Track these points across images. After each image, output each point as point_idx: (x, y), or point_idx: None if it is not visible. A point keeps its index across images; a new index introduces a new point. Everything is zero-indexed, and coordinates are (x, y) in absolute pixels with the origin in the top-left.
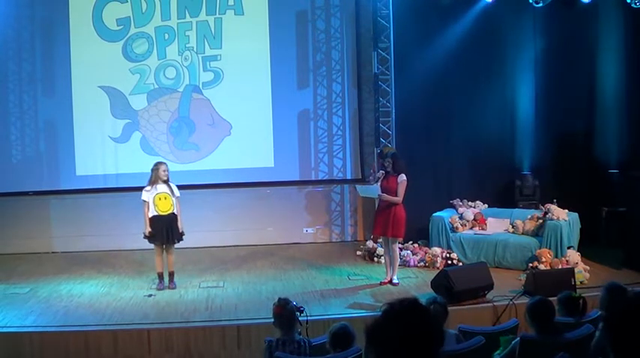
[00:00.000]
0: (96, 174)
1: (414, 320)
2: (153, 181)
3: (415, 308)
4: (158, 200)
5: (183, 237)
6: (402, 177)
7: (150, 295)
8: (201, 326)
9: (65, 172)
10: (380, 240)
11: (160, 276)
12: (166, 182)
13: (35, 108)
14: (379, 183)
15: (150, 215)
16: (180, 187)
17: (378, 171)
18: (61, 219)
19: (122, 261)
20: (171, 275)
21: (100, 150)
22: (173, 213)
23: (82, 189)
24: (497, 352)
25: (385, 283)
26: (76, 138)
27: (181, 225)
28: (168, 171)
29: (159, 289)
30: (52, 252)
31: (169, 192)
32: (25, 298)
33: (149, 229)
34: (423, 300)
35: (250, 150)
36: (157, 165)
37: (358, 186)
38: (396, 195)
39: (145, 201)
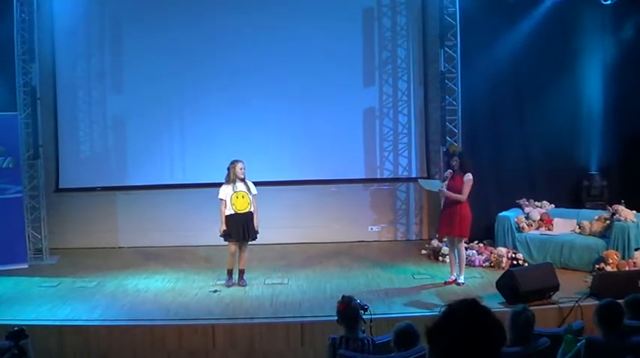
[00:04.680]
0: (163, 170)
1: (473, 321)
2: (231, 179)
3: (474, 308)
4: (235, 198)
5: (257, 235)
6: (469, 176)
7: (215, 291)
8: (265, 322)
9: (132, 168)
10: (445, 239)
11: (230, 273)
12: (243, 180)
13: (104, 104)
14: (446, 182)
15: (227, 213)
16: None
17: (446, 171)
18: (128, 215)
19: (188, 256)
20: (241, 272)
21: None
22: (250, 212)
23: (149, 185)
24: (560, 350)
25: (450, 283)
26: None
27: (257, 222)
28: (245, 169)
29: (227, 285)
30: (119, 247)
31: (247, 191)
32: (92, 292)
33: (224, 227)
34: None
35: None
36: (234, 163)
37: (420, 180)
38: (461, 194)
39: (222, 199)
